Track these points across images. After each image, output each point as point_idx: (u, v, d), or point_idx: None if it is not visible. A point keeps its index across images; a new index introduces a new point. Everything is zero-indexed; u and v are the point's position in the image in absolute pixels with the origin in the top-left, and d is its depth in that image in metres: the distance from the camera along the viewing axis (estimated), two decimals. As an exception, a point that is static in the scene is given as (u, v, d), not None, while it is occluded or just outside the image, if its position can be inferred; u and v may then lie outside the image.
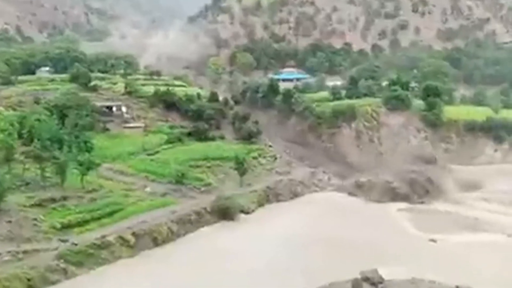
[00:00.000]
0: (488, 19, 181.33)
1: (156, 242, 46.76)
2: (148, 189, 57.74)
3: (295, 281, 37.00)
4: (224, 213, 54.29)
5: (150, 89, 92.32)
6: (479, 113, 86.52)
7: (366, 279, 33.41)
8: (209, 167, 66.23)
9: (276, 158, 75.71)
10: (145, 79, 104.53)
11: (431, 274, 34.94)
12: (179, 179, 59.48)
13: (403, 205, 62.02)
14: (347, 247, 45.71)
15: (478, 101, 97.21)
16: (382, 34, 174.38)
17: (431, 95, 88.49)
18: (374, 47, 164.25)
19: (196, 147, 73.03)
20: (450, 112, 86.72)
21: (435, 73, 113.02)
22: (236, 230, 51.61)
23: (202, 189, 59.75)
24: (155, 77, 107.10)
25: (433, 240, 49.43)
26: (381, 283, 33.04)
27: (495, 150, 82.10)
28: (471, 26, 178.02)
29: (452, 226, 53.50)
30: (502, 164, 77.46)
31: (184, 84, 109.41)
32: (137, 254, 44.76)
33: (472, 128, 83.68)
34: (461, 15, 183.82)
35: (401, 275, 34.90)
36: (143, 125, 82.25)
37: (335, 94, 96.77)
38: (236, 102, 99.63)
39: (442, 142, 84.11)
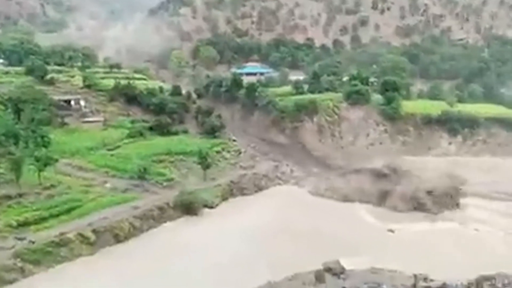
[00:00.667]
0: (443, 16, 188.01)
1: (118, 239, 45.85)
2: (108, 185, 56.41)
3: (260, 273, 37.13)
4: (188, 208, 53.90)
5: (109, 83, 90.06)
6: (435, 107, 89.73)
7: (328, 270, 34.18)
8: (172, 162, 65.45)
9: (240, 152, 75.84)
10: (104, 72, 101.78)
11: (390, 263, 36.07)
12: (141, 175, 58.45)
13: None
14: (310, 238, 46.44)
15: (434, 95, 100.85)
16: (343, 30, 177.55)
17: (389, 89, 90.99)
18: (336, 42, 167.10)
19: (159, 142, 72.01)
20: (408, 106, 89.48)
21: (394, 69, 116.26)
22: (199, 225, 51.43)
23: (165, 184, 59.00)
24: (115, 70, 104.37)
25: (391, 230, 51.05)
26: (342, 273, 33.89)
27: (450, 143, 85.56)
28: (427, 23, 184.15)
29: (409, 216, 55.39)
30: (456, 156, 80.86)
31: (145, 77, 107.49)
32: (98, 251, 43.78)
33: (429, 121, 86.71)
34: (418, 12, 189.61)
35: (362, 265, 35.91)
36: (102, 119, 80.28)
37: (298, 89, 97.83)
38: (199, 96, 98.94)
39: (400, 135, 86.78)
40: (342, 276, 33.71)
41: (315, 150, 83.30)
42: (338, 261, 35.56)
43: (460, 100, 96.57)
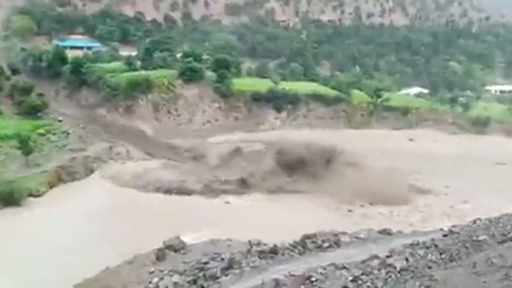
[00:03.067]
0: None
1: None
2: None
3: (104, 256, 35.41)
4: (8, 199, 47.87)
5: None
6: (262, 85, 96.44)
7: (169, 247, 34.55)
8: (-17, 148, 57.00)
9: (68, 134, 69.69)
10: None
11: (227, 233, 38.17)
12: None
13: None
14: (150, 217, 46.01)
15: (261, 73, 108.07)
16: (174, 6, 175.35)
17: (221, 67, 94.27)
18: (167, 18, 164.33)
19: (-36, 125, 61.84)
20: (239, 83, 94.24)
21: (224, 47, 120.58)
22: (26, 214, 46.36)
23: (-24, 174, 51.23)
24: None
25: (228, 202, 53.92)
26: (183, 248, 34.65)
27: (276, 118, 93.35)
28: (254, 3, 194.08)
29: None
30: (280, 129, 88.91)
31: None
32: None
33: (257, 98, 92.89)
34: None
35: (202, 238, 37.21)
36: None
37: (130, 65, 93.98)
38: (14, 72, 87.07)
39: (233, 111, 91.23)
40: (182, 251, 34.46)
41: (151, 128, 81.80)
42: (179, 237, 36.21)
43: (283, 78, 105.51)
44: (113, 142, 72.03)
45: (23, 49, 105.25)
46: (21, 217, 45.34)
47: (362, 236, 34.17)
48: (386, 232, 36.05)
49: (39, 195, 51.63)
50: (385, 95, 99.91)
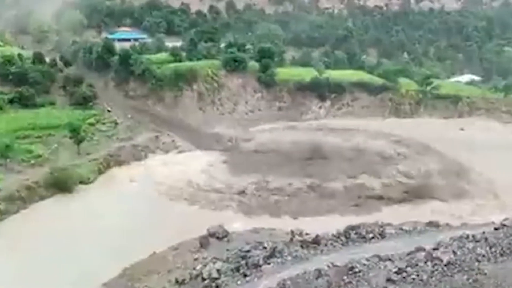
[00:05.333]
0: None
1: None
2: (-37, 167, 49.93)
3: (146, 243, 36.61)
4: (61, 185, 50.24)
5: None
6: (306, 74, 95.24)
7: (212, 235, 35.15)
8: (39, 137, 60.08)
9: (116, 124, 72.26)
10: None
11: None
12: (3, 153, 52.64)
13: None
14: (197, 204, 47.15)
15: (304, 62, 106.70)
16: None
17: (265, 57, 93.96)
18: (211, 8, 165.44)
19: (22, 116, 65.40)
20: (282, 73, 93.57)
21: (268, 36, 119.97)
22: (75, 201, 48.66)
23: (32, 162, 54.02)
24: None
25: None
26: (226, 236, 35.14)
27: (320, 107, 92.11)
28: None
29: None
30: (325, 119, 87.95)
31: (0, 43, 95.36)
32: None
33: (300, 87, 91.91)
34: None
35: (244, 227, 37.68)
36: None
37: (175, 56, 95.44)
38: (66, 64, 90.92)
39: (276, 101, 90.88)
40: (225, 239, 34.94)
41: (195, 118, 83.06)
42: (222, 226, 36.75)
43: (328, 67, 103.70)
44: (160, 132, 73.90)
45: (74, 42, 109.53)
46: (72, 205, 47.56)
47: (407, 228, 33.36)
48: (433, 225, 34.98)
49: (90, 182, 53.88)
50: (435, 82, 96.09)
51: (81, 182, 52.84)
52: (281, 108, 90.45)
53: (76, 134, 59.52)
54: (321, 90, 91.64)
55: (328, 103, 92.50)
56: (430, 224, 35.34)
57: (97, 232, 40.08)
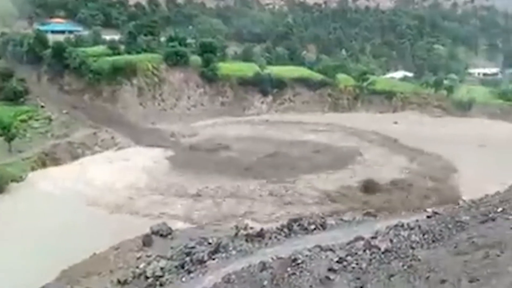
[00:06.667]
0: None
1: None
2: None
3: (82, 246, 35.12)
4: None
5: None
6: (248, 69, 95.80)
7: (156, 233, 34.59)
8: (-36, 135, 55.87)
9: (51, 120, 68.73)
10: None
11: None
12: None
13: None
14: (135, 207, 45.69)
15: (247, 57, 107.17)
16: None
17: (207, 51, 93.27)
18: (151, 1, 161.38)
19: None
20: (224, 68, 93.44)
21: (210, 31, 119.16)
22: (7, 200, 45.98)
23: (-43, 161, 50.31)
24: None
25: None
26: (170, 234, 34.72)
27: (262, 103, 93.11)
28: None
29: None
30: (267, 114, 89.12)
31: None
32: None
33: (243, 83, 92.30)
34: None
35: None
36: None
37: (114, 49, 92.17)
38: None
39: (219, 96, 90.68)
40: (169, 236, 34.52)
41: (135, 114, 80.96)
42: (165, 223, 36.25)
43: (269, 62, 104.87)
44: (98, 128, 71.04)
45: (3, 34, 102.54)
46: (4, 202, 44.90)
47: (347, 218, 34.69)
48: (371, 215, 36.66)
49: (22, 181, 50.97)
50: (371, 78, 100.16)
51: (12, 181, 49.86)
52: (223, 103, 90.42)
53: (7, 131, 56.05)
54: (263, 85, 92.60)
55: (270, 98, 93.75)
56: (368, 214, 37.06)
57: (32, 234, 37.94)
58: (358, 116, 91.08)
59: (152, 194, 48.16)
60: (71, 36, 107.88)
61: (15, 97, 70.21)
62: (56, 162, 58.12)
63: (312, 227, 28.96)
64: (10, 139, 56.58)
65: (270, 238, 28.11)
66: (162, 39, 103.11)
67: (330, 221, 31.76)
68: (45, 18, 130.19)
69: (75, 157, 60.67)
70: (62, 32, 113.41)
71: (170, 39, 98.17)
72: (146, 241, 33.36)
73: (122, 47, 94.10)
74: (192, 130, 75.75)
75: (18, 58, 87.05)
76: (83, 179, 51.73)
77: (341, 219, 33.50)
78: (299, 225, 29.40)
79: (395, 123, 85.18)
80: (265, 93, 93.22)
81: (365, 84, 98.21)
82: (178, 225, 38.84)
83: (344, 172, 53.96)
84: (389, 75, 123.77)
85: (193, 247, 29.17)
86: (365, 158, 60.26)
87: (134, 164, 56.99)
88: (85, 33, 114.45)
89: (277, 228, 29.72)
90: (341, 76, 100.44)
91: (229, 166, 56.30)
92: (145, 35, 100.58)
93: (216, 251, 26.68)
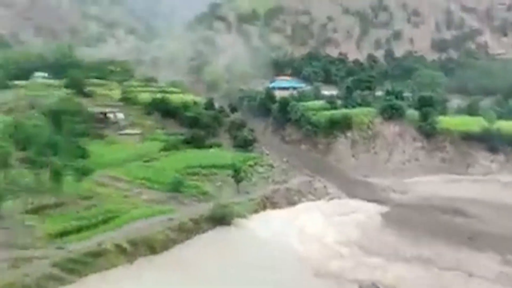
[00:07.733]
0: (480, 30, 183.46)
1: (154, 250, 46.27)
2: (144, 197, 57.30)
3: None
4: (221, 220, 53.95)
5: (146, 96, 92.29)
6: (473, 123, 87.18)
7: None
8: (205, 175, 65.77)
9: (272, 167, 75.67)
10: (141, 86, 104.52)
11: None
12: (176, 187, 59.11)
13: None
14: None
15: (472, 111, 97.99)
16: (377, 44, 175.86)
17: (425, 105, 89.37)
18: (369, 57, 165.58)
19: (193, 155, 72.69)
20: (445, 122, 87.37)
21: (429, 83, 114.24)
22: (235, 233, 51.56)
23: (200, 197, 59.43)
24: (152, 84, 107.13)
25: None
26: None
27: (491, 161, 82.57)
28: (464, 36, 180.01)
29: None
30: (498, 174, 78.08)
31: (180, 90, 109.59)
32: (134, 261, 44.28)
33: (467, 138, 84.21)
34: (454, 25, 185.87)
35: None
36: (139, 132, 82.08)
37: (331, 104, 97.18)
38: (233, 110, 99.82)
39: (437, 151, 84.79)
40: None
41: (348, 166, 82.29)
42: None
43: (500, 117, 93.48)
44: (312, 177, 74.91)
45: (241, 90, 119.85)
46: (234, 236, 50.67)
47: None
48: None
49: (245, 218, 56.71)
50: None
51: (238, 216, 55.86)
52: (443, 159, 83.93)
53: (237, 174, 63.91)
54: (492, 142, 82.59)
55: (502, 156, 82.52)
56: None
57: (237, 272, 41.33)
58: None
59: (363, 253, 46.89)
60: (295, 92, 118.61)
61: (245, 145, 79.95)
62: (274, 205, 62.94)
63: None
64: (239, 181, 64.14)
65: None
66: (379, 93, 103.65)
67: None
68: (273, 76, 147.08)
69: (291, 203, 64.71)
70: (287, 88, 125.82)
71: (387, 92, 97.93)
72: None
73: (339, 102, 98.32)
74: (405, 186, 72.34)
75: (251, 111, 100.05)
76: (297, 226, 54.34)
77: None
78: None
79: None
80: (494, 151, 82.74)
81: None
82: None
83: None
84: None
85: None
86: None
87: (347, 217, 57.17)
88: (307, 88, 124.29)
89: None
90: None
91: (452, 231, 50.95)
92: (362, 89, 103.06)
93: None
